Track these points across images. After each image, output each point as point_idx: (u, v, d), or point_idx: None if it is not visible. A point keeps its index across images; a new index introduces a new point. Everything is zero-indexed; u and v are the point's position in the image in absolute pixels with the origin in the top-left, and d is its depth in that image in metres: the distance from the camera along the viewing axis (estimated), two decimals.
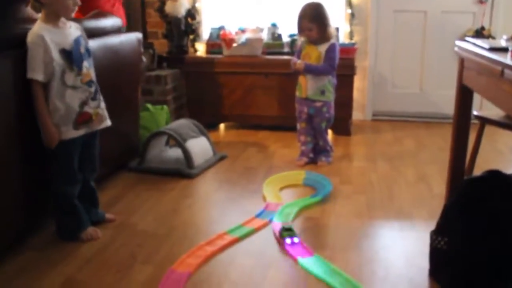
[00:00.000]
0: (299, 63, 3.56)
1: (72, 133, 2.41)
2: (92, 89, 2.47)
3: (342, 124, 4.35)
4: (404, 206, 2.98)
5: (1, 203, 2.26)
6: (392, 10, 4.88)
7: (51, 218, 2.62)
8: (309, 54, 3.60)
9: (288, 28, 4.72)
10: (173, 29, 4.91)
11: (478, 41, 2.41)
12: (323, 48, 3.55)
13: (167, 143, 3.82)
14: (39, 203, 2.55)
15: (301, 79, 3.65)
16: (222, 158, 3.73)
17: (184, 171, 3.41)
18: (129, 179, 3.43)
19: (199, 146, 3.60)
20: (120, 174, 3.49)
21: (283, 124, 4.46)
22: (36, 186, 2.48)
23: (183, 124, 3.69)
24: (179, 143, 3.46)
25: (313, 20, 3.50)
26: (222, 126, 4.83)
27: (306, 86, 3.60)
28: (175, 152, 3.67)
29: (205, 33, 5.10)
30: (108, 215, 2.80)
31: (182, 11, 4.83)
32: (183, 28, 4.91)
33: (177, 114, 4.72)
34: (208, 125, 4.62)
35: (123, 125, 3.31)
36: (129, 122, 3.49)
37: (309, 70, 3.56)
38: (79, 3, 2.39)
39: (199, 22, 5.07)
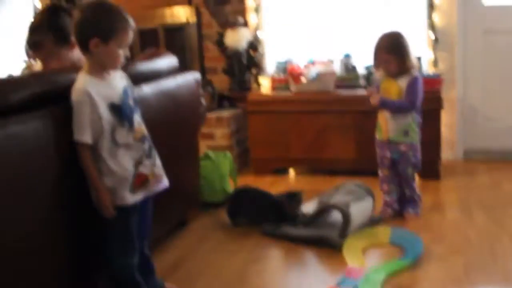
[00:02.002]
0: (373, 97, 3.45)
1: (130, 198, 2.33)
2: (146, 146, 2.40)
3: (430, 166, 4.17)
4: (511, 269, 2.79)
5: (42, 277, 2.17)
6: (481, 31, 4.70)
7: None
8: (388, 89, 3.47)
9: (364, 59, 4.63)
10: (233, 63, 4.93)
11: None
12: (403, 82, 3.42)
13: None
14: (87, 278, 2.48)
15: (381, 119, 3.53)
16: (376, 223, 3.41)
17: (331, 241, 3.13)
18: (189, 239, 3.38)
19: (361, 211, 3.31)
20: (179, 233, 3.45)
21: (362, 169, 4.32)
22: (85, 258, 2.41)
23: (346, 189, 3.47)
24: (343, 211, 3.17)
25: (391, 51, 3.39)
26: (291, 171, 4.75)
27: (387, 127, 3.48)
28: (330, 217, 3.41)
29: (269, 66, 5.07)
30: (168, 285, 2.72)
31: (243, 43, 4.85)
32: (245, 62, 4.92)
33: (241, 160, 4.69)
34: (276, 171, 4.61)
35: (181, 178, 3.24)
36: (188, 173, 3.46)
37: (384, 105, 3.44)
38: (128, 54, 2.35)
39: (262, 55, 5.06)
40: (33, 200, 2.07)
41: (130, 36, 2.30)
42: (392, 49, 3.39)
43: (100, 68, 2.29)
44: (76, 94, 2.22)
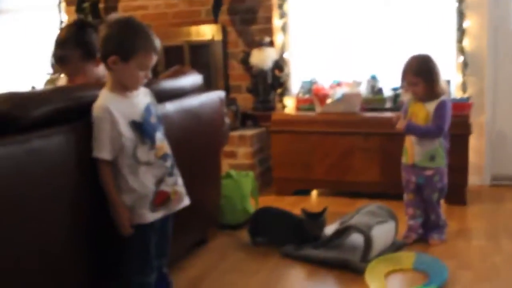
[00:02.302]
0: (399, 122, 3.43)
1: (149, 216, 2.33)
2: (168, 164, 2.40)
3: (456, 191, 4.12)
4: None
5: None
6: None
7: None
8: (415, 113, 3.45)
9: (390, 81, 4.62)
10: (258, 82, 4.95)
11: None
12: (431, 106, 3.39)
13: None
14: None
15: (407, 142, 3.50)
16: (399, 248, 3.37)
17: (353, 264, 3.09)
18: (209, 257, 3.37)
19: (384, 234, 3.28)
20: (198, 252, 3.44)
21: (386, 192, 4.29)
22: (103, 276, 2.41)
23: (368, 210, 3.44)
24: (365, 234, 3.14)
25: (419, 74, 3.36)
26: (314, 193, 4.73)
27: (413, 151, 3.45)
28: (351, 239, 3.40)
29: (294, 87, 5.08)
30: None
31: (268, 63, 4.87)
32: (270, 81, 4.94)
33: (263, 179, 4.69)
34: (298, 192, 4.59)
35: (202, 196, 3.23)
36: (209, 192, 3.46)
37: (410, 130, 3.41)
38: (150, 76, 2.35)
39: (287, 75, 5.08)
40: (53, 216, 2.08)
41: (153, 59, 2.30)
42: (420, 72, 3.37)
43: (121, 86, 2.30)
44: (96, 110, 2.23)
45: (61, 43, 2.88)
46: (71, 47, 2.85)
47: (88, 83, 2.71)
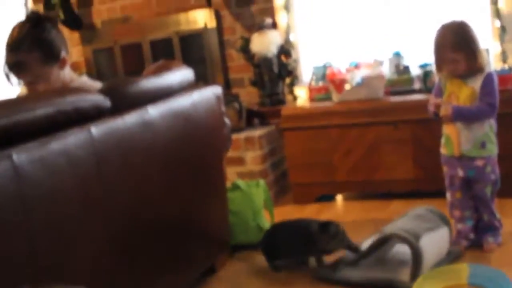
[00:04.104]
0: (443, 108, 3.12)
1: None
2: None
3: (506, 182, 3.81)
4: None
5: None
6: None
7: None
8: (455, 93, 3.16)
9: (417, 57, 4.44)
10: (263, 72, 4.85)
11: None
12: (476, 82, 3.11)
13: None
14: None
15: (449, 129, 3.21)
16: (456, 258, 3.15)
17: (399, 285, 2.85)
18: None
19: (436, 243, 3.04)
20: (207, 283, 3.23)
21: (423, 189, 4.10)
22: None
23: (416, 214, 3.20)
24: (412, 245, 2.89)
25: (459, 48, 3.07)
26: (339, 198, 4.54)
27: (459, 139, 3.16)
28: (397, 252, 3.14)
29: (305, 74, 4.96)
30: None
31: (272, 48, 4.76)
32: (276, 70, 4.82)
33: (278, 187, 4.58)
34: (320, 198, 4.44)
35: (206, 217, 3.09)
36: (214, 210, 3.26)
37: (460, 115, 3.12)
38: None
39: (296, 61, 4.97)
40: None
41: None
42: (459, 45, 3.08)
43: None
44: None
45: (14, 46, 2.69)
46: (27, 49, 2.66)
47: (46, 90, 2.46)
